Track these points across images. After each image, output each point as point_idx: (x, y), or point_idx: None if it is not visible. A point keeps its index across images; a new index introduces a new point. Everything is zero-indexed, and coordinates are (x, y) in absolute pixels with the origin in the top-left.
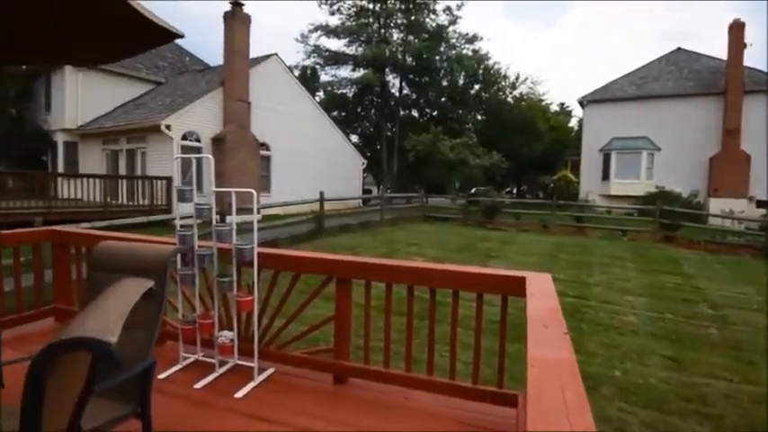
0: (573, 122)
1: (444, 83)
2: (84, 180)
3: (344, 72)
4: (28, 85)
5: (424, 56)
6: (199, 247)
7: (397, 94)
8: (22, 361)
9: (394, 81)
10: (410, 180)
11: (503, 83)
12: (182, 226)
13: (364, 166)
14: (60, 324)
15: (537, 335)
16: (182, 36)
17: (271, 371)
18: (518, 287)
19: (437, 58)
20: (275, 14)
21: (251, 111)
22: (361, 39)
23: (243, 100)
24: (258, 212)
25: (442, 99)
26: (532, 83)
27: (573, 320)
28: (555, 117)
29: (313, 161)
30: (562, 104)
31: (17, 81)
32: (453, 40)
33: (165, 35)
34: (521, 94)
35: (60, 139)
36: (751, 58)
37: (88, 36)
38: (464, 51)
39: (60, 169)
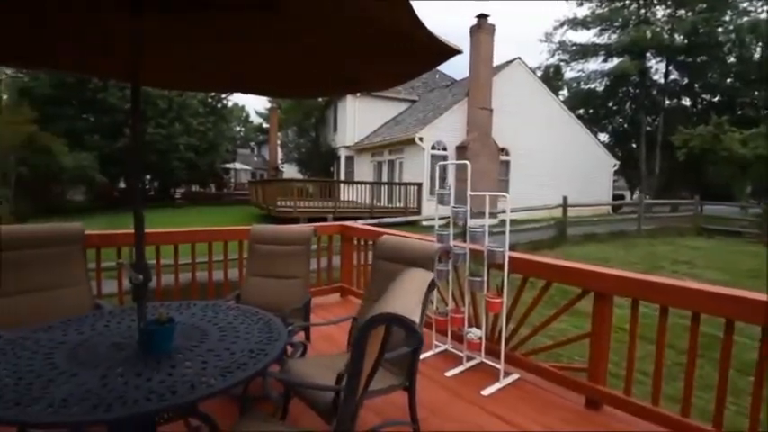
0: None
1: (731, 59)
2: (358, 186)
3: (593, 65)
4: (323, 113)
5: (701, 30)
6: (453, 246)
7: (662, 81)
8: (321, 324)
9: (657, 66)
10: (677, 183)
11: None
12: (439, 226)
13: (615, 167)
14: (344, 299)
15: None
16: (460, 52)
17: (516, 376)
18: None
19: (719, 30)
20: (517, 20)
21: (493, 117)
22: (615, 24)
23: (485, 108)
24: (495, 217)
25: (728, 80)
26: None
27: None
28: None
29: (554, 164)
30: None
31: (317, 110)
32: (745, 4)
33: (449, 52)
34: None
35: (342, 153)
36: None
37: (386, 65)
38: (762, 15)
39: (342, 177)
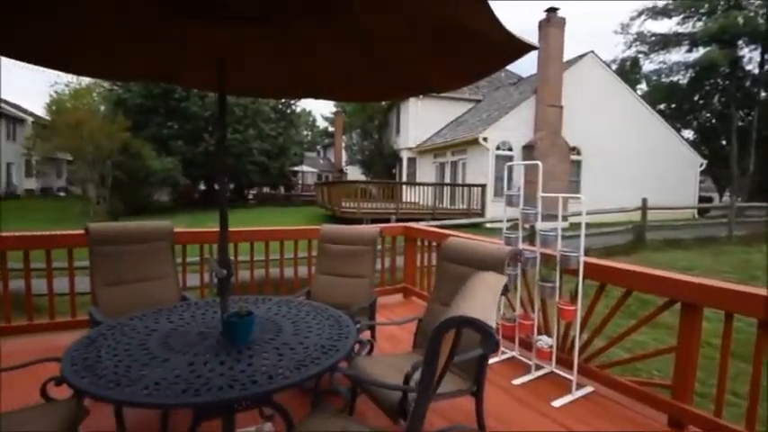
0: None
1: None
2: (420, 187)
3: (676, 56)
4: (386, 116)
5: None
6: (523, 249)
7: (756, 71)
8: (386, 324)
9: (751, 55)
10: None
11: None
12: (507, 228)
13: (702, 167)
14: (407, 300)
15: None
16: (536, 48)
17: (589, 389)
18: None
19: None
20: (587, 17)
21: (563, 114)
22: (701, 11)
23: (555, 105)
24: (566, 219)
25: None
26: None
27: None
28: None
29: (631, 163)
30: None
31: (380, 113)
32: None
33: (523, 49)
34: None
35: (404, 155)
36: None
37: (459, 66)
38: None
39: (404, 179)
